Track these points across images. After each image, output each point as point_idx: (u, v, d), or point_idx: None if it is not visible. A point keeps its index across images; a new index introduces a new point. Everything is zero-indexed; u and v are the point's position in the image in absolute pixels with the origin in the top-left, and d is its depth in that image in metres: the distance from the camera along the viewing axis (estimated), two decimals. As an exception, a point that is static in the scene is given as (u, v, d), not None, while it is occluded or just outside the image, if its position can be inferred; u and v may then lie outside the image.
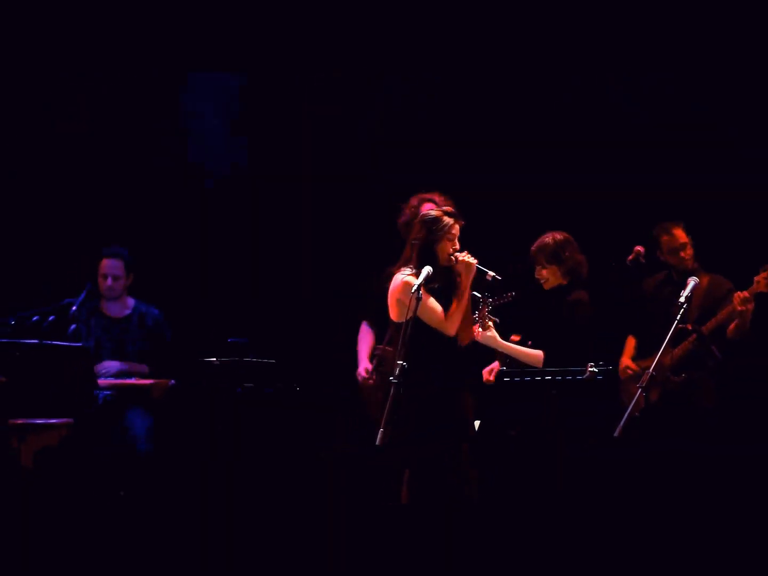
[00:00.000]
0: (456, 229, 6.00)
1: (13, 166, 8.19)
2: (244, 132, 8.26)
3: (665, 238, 6.96)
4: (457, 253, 5.96)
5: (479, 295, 6.06)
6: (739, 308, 6.54)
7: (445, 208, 6.07)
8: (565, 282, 6.21)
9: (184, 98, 8.28)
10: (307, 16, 8.07)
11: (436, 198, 6.73)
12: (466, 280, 5.96)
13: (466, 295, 5.98)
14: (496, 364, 6.73)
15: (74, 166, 8.24)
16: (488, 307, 6.09)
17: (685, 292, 6.04)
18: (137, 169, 8.24)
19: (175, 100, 8.27)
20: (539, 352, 6.11)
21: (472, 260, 5.96)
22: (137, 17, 8.06)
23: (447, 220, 6.00)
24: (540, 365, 6.03)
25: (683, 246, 6.92)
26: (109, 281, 7.30)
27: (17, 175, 8.17)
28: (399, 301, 5.97)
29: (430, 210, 6.49)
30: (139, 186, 8.22)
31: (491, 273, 5.96)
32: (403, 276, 6.00)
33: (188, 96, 8.28)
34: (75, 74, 8.18)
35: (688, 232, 6.95)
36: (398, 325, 5.97)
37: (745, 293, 6.56)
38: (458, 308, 5.97)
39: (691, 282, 6.14)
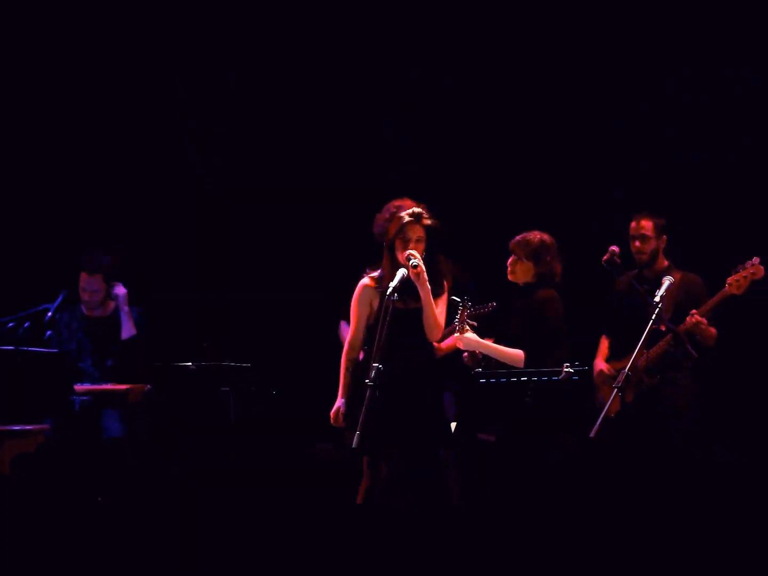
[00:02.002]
0: (415, 230, 5.76)
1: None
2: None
3: (631, 224, 6.92)
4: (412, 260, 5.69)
5: (459, 300, 5.95)
6: (694, 331, 6.55)
7: (413, 210, 5.82)
8: (532, 281, 6.13)
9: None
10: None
11: (407, 202, 6.67)
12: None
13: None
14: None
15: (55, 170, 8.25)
16: (468, 311, 6.00)
17: (660, 292, 6.04)
18: (129, 173, 8.26)
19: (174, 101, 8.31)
20: (520, 352, 6.02)
21: (413, 262, 5.64)
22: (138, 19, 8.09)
23: (403, 219, 5.78)
24: (521, 365, 5.98)
25: (642, 237, 6.84)
26: (86, 296, 7.38)
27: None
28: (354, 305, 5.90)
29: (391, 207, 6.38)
30: (130, 189, 8.23)
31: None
32: (363, 279, 5.93)
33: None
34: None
35: (661, 230, 6.88)
36: (370, 328, 5.90)
37: (696, 317, 6.51)
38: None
39: (666, 281, 6.13)
